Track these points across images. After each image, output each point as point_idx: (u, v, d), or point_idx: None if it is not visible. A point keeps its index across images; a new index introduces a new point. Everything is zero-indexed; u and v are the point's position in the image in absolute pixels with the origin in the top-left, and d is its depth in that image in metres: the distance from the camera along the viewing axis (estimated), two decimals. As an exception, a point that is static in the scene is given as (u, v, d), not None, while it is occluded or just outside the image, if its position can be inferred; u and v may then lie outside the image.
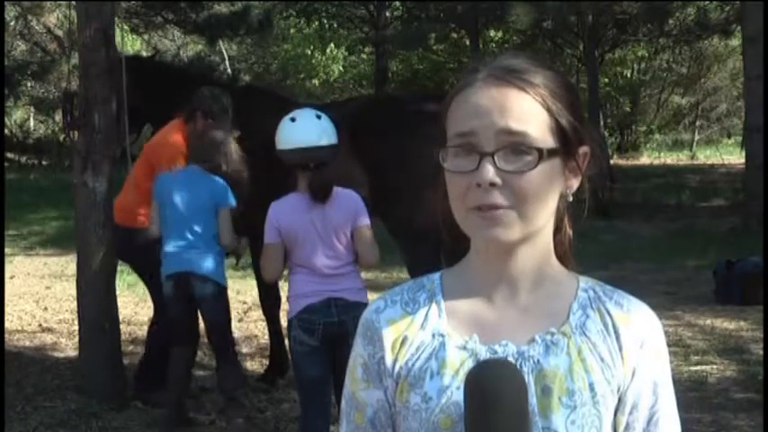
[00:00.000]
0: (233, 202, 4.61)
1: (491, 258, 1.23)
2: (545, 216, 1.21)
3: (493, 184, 1.15)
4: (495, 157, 1.15)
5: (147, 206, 4.87)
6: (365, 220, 3.82)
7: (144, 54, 18.41)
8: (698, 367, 5.53)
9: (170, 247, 4.56)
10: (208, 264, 4.55)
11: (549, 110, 1.19)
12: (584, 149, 1.24)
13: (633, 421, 1.22)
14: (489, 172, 1.15)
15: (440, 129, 1.25)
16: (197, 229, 4.55)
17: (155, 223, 4.64)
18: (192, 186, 4.57)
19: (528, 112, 1.17)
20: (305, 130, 3.82)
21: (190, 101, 5.04)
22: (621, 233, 11.01)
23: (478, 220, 1.17)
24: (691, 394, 5.04)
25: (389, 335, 1.26)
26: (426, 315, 1.26)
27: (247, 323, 7.04)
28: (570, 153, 1.22)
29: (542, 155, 1.16)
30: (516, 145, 1.16)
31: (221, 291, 4.65)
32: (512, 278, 1.23)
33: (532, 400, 1.18)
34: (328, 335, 3.71)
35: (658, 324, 1.26)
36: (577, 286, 1.27)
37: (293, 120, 3.88)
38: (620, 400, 1.21)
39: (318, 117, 3.89)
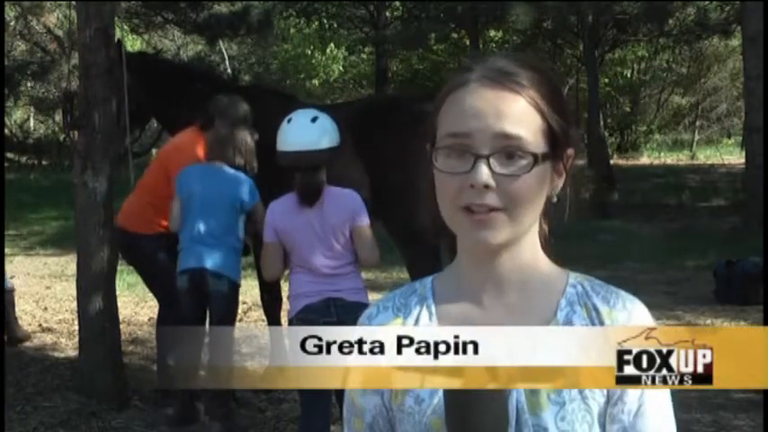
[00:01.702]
0: (257, 199, 4.62)
1: (478, 258, 1.24)
2: (533, 217, 1.23)
3: (487, 187, 1.16)
4: (491, 160, 1.16)
5: (159, 212, 4.87)
6: (364, 220, 3.82)
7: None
8: (698, 367, 5.52)
9: (186, 242, 4.57)
10: (223, 260, 4.55)
11: (541, 113, 1.20)
12: (570, 151, 1.26)
13: (619, 413, 1.21)
14: (484, 174, 1.16)
15: (429, 127, 1.25)
16: (215, 225, 4.55)
17: (174, 217, 4.64)
18: (214, 182, 4.58)
19: (522, 115, 1.19)
20: (298, 132, 3.81)
21: (205, 107, 5.03)
22: (621, 233, 11.01)
23: (467, 221, 1.18)
24: (691, 394, 5.03)
25: None
26: (417, 319, 1.28)
27: (247, 323, 7.04)
28: (559, 155, 1.23)
29: (537, 160, 1.18)
30: (511, 149, 1.17)
31: (235, 288, 4.64)
32: (499, 278, 1.24)
33: (521, 397, 1.19)
34: None
35: (645, 316, 1.24)
36: (566, 282, 1.27)
37: (289, 121, 3.88)
38: (608, 391, 1.21)
39: (314, 120, 3.85)
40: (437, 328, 1.25)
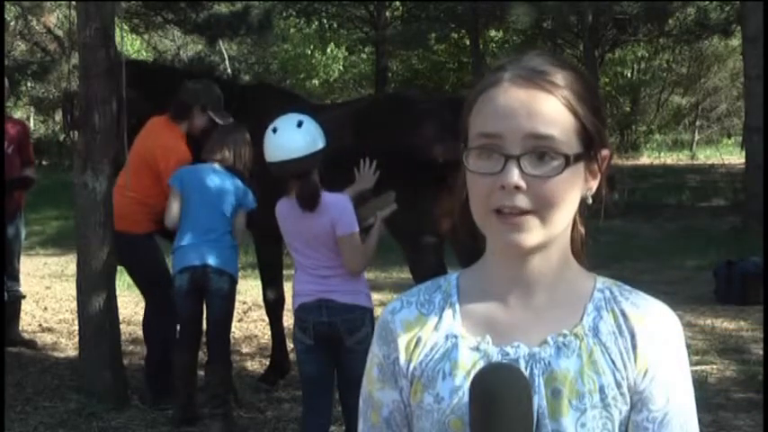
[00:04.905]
0: (253, 205, 4.66)
1: (508, 260, 1.22)
2: (566, 220, 1.21)
3: (517, 188, 1.14)
4: (521, 161, 1.14)
5: (150, 211, 4.90)
6: (344, 229, 3.74)
7: (144, 54, 18.43)
8: (698, 367, 5.53)
9: (186, 240, 4.58)
10: (224, 258, 4.57)
11: (574, 113, 1.18)
12: (605, 152, 1.23)
13: (643, 420, 1.20)
14: (514, 175, 1.14)
15: (462, 127, 1.23)
16: (216, 224, 4.57)
17: (174, 215, 4.63)
18: (214, 183, 4.60)
19: (555, 115, 1.16)
20: (286, 141, 3.76)
21: (176, 95, 5.00)
22: (621, 233, 11.01)
23: (499, 224, 1.16)
24: (691, 394, 5.02)
25: (404, 336, 1.26)
26: (441, 316, 1.26)
27: (247, 323, 7.04)
28: (593, 156, 1.21)
29: (569, 161, 1.16)
30: (543, 149, 1.15)
31: (234, 286, 4.68)
32: (528, 280, 1.23)
33: (542, 402, 1.17)
34: (320, 335, 3.74)
35: (677, 325, 1.24)
36: (594, 287, 1.26)
37: (275, 131, 3.82)
38: (631, 399, 1.20)
39: (299, 125, 3.79)
40: (460, 326, 1.24)
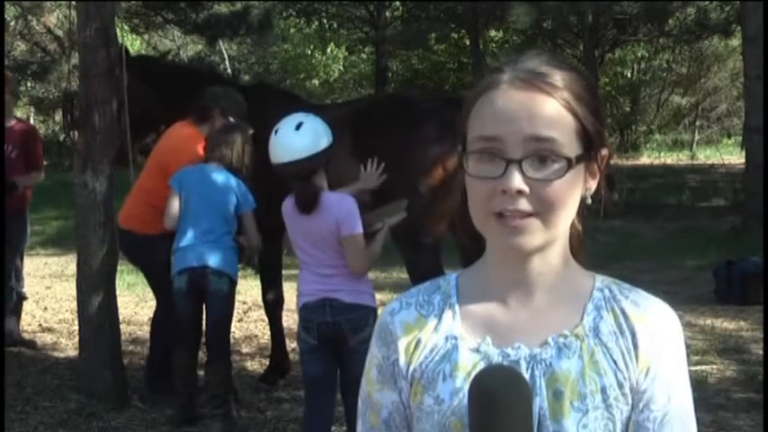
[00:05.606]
0: (253, 206, 4.65)
1: (508, 262, 1.22)
2: (568, 221, 1.20)
3: (520, 192, 1.13)
4: (523, 164, 1.13)
5: (161, 213, 4.89)
6: (348, 229, 3.73)
7: (144, 53, 18.42)
8: (698, 367, 5.53)
9: (185, 241, 4.57)
10: (223, 259, 4.57)
11: (574, 114, 1.17)
12: (604, 152, 1.23)
13: (644, 420, 1.20)
14: (516, 179, 1.13)
15: (459, 130, 1.22)
16: (215, 225, 4.57)
17: (173, 215, 4.62)
18: (213, 184, 4.59)
19: (555, 117, 1.16)
20: (285, 143, 3.76)
21: (198, 99, 5.03)
22: (621, 233, 11.02)
23: (500, 227, 1.16)
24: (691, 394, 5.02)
25: (403, 337, 1.26)
26: (440, 317, 1.25)
27: (247, 323, 7.04)
28: (592, 156, 1.21)
29: (571, 163, 1.15)
30: (544, 152, 1.14)
31: (234, 287, 4.67)
32: (528, 281, 1.22)
33: (543, 403, 1.16)
34: (324, 335, 3.73)
35: (677, 323, 1.24)
36: (593, 286, 1.25)
37: (276, 132, 3.81)
38: (633, 399, 1.20)
39: (298, 127, 3.77)
40: (460, 327, 1.23)
